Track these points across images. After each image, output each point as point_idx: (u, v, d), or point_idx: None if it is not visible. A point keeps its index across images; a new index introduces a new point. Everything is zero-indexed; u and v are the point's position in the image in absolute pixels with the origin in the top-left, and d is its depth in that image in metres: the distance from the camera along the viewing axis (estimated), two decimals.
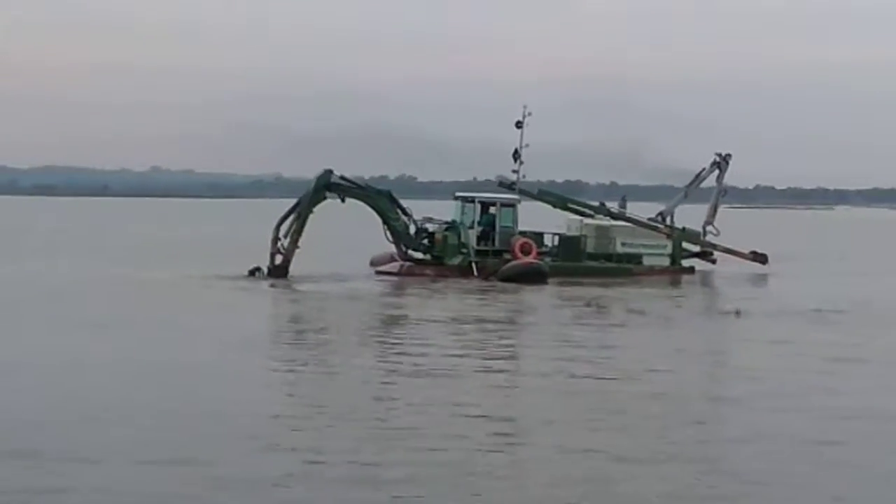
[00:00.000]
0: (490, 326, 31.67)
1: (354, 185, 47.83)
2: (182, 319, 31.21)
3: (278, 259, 44.96)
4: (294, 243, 45.12)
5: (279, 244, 44.92)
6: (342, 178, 47.16)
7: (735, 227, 66.53)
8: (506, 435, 17.81)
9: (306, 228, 45.78)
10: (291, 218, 45.55)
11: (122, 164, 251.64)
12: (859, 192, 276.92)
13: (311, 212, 45.95)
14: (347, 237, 61.13)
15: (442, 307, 36.24)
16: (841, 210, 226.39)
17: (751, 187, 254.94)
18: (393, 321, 32.65)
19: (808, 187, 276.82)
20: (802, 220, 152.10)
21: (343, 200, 47.15)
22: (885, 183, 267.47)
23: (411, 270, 47.35)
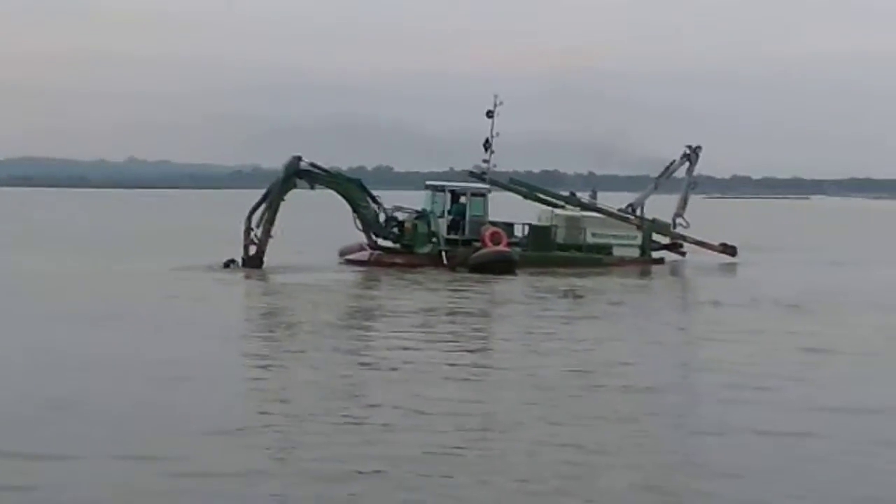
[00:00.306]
0: (461, 319, 31.34)
1: (324, 173, 47.51)
2: (151, 313, 30.80)
3: (252, 250, 44.71)
4: (267, 233, 44.82)
5: (252, 235, 44.63)
6: (312, 164, 46.81)
7: (709, 217, 66.68)
8: (478, 430, 17.71)
9: (278, 217, 45.41)
10: (262, 207, 45.23)
11: (98, 154, 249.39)
12: (835, 182, 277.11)
13: (281, 200, 45.58)
14: (316, 226, 60.63)
15: (411, 298, 36.05)
16: (817, 200, 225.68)
17: (727, 177, 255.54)
18: (362, 314, 32.25)
19: (784, 177, 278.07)
20: (778, 210, 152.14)
21: (313, 188, 46.81)
22: (861, 172, 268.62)
23: (380, 259, 47.18)
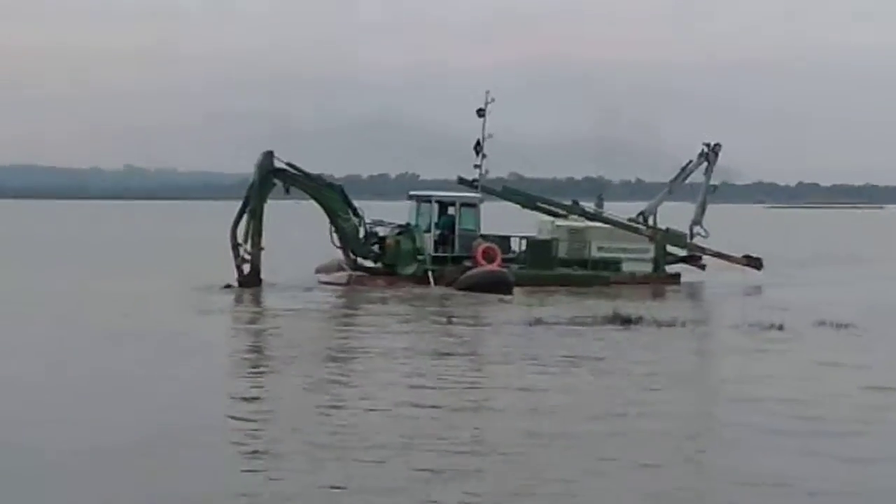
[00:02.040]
0: (450, 359, 27.15)
1: (301, 174, 44.79)
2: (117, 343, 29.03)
3: (246, 268, 42.96)
4: (257, 246, 43.04)
5: (241, 251, 42.94)
6: (289, 164, 44.42)
7: (766, 228, 62.67)
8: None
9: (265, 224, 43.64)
10: (245, 218, 43.25)
11: (92, 161, 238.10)
12: None
13: (264, 204, 43.52)
14: (292, 240, 58.32)
15: (393, 330, 32.82)
16: (893, 210, 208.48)
17: (792, 184, 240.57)
18: (336, 350, 28.84)
19: (857, 184, 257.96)
20: (844, 221, 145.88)
21: (287, 191, 44.47)
22: None
23: (361, 281, 44.50)
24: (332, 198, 44.96)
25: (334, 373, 24.66)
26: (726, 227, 51.76)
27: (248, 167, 45.27)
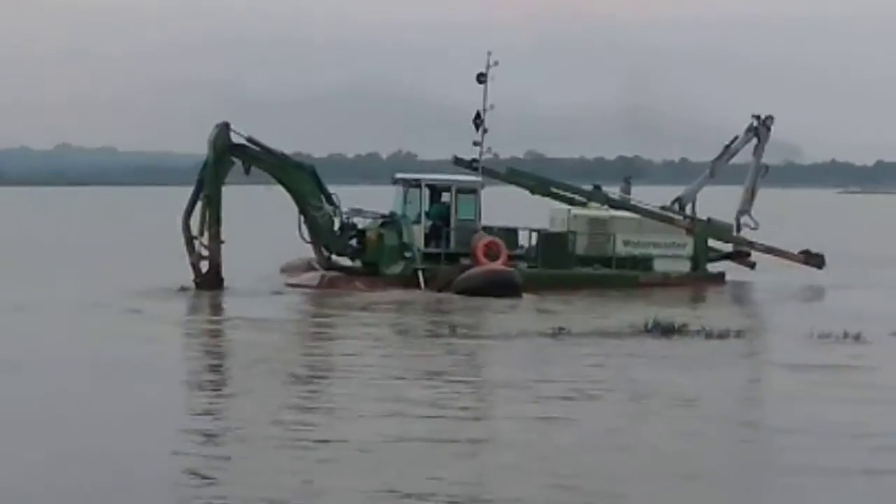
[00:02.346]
0: (444, 384, 24.10)
1: (265, 151, 40.97)
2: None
3: (203, 266, 39.61)
4: (216, 239, 39.58)
5: (196, 246, 39.76)
6: (249, 139, 40.90)
7: (836, 218, 58.99)
8: None
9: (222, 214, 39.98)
10: (200, 206, 40.03)
11: (17, 140, 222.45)
12: None
13: (220, 187, 40.09)
14: (258, 234, 55.85)
15: (374, 346, 29.79)
16: None
17: (870, 163, 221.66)
18: (305, 373, 25.98)
19: None
20: None
21: (248, 171, 41.00)
22: None
23: (334, 283, 40.85)
24: (302, 180, 41.23)
25: (304, 405, 22.13)
26: (786, 217, 47.21)
27: (200, 146, 41.26)
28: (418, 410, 21.00)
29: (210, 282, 39.37)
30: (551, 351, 28.26)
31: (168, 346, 30.52)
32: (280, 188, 42.02)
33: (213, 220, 39.58)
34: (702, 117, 50.28)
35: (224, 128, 40.29)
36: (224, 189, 40.23)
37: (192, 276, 39.36)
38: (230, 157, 40.30)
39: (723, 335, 29.71)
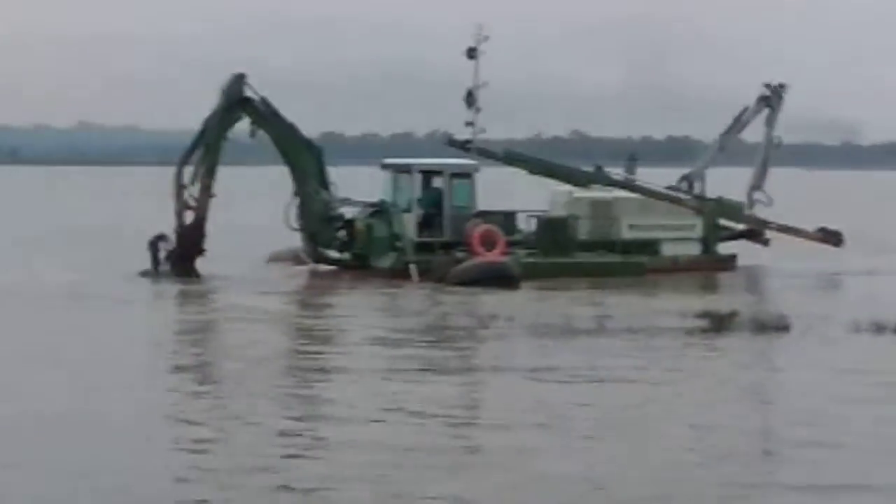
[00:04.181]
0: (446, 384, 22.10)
1: (276, 116, 39.51)
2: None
3: (188, 217, 38.07)
4: (206, 190, 38.21)
5: (186, 195, 38.29)
6: (263, 100, 39.34)
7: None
8: None
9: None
10: (199, 154, 38.75)
11: (37, 118, 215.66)
12: None
13: (223, 139, 38.98)
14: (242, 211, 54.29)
15: (362, 342, 27.34)
16: None
17: None
18: (295, 376, 23.81)
19: None
20: None
21: (253, 133, 39.49)
22: None
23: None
24: (307, 160, 39.68)
25: (296, 411, 20.08)
26: (839, 201, 44.26)
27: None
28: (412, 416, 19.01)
29: (191, 238, 37.79)
30: (548, 345, 25.93)
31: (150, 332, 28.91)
32: (279, 170, 40.82)
33: (207, 170, 38.28)
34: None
35: (239, 79, 38.91)
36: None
37: (175, 224, 37.55)
38: (240, 110, 38.89)
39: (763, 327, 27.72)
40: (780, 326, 27.89)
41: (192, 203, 38.27)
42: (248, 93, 39.05)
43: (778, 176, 44.76)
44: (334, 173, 40.31)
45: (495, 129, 42.68)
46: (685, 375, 22.94)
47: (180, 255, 37.58)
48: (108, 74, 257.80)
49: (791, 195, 45.45)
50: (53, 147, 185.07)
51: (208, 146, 38.64)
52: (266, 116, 39.37)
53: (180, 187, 38.40)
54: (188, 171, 38.62)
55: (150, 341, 28.16)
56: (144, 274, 37.20)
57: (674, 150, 51.17)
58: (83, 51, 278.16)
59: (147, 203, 41.18)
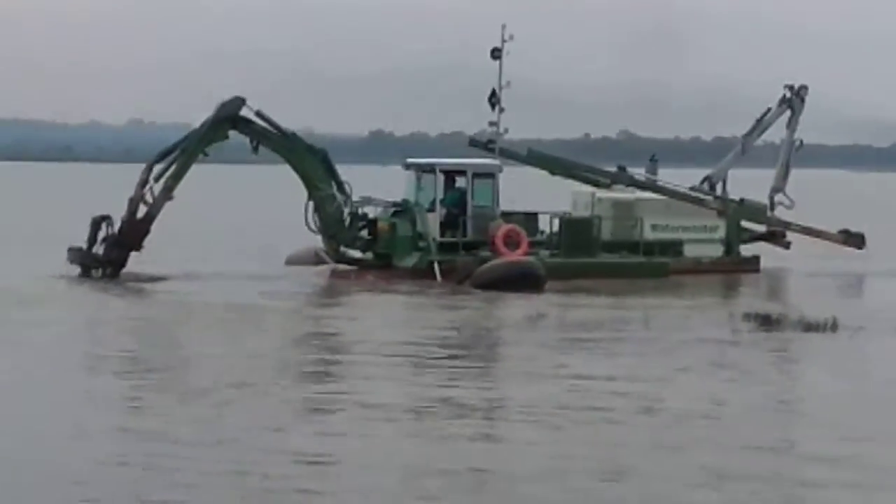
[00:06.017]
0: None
1: (275, 130, 39.75)
2: None
3: (141, 211, 38.01)
4: (167, 192, 38.12)
5: (146, 189, 38.22)
6: (259, 114, 39.48)
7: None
8: None
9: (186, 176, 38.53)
10: (173, 156, 38.98)
11: (89, 115, 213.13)
12: None
13: (201, 152, 39.26)
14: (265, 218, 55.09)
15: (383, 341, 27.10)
16: None
17: None
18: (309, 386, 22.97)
19: None
20: None
21: (255, 150, 39.81)
22: None
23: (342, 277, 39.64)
24: (312, 165, 39.94)
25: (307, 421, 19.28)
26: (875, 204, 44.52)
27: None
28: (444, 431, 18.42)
29: (135, 228, 37.49)
30: (566, 345, 26.07)
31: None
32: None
33: (175, 173, 38.25)
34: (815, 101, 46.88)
35: (236, 100, 39.14)
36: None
37: (124, 213, 37.30)
38: (228, 127, 39.11)
39: (809, 328, 27.95)
40: (828, 327, 27.92)
41: (149, 199, 38.17)
42: (245, 113, 39.13)
43: (821, 178, 44.74)
44: (378, 172, 40.46)
45: (546, 130, 42.93)
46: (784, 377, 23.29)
47: (117, 243, 37.25)
48: (156, 69, 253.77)
49: (827, 197, 45.21)
50: (106, 144, 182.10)
51: (184, 151, 38.74)
52: (264, 134, 39.51)
53: (145, 181, 38.34)
54: (158, 168, 38.36)
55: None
56: (71, 250, 36.88)
57: (722, 151, 50.45)
58: (130, 43, 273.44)
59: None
